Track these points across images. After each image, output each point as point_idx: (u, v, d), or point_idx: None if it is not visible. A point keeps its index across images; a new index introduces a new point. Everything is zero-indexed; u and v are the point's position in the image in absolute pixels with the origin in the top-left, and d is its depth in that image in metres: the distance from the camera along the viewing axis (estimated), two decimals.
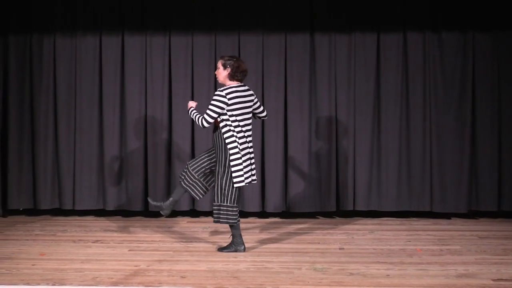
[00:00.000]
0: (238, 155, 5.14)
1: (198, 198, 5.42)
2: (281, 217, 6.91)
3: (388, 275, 4.62)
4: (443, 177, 6.82)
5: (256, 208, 6.89)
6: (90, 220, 6.80)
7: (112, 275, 4.61)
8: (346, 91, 6.89)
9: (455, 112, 6.83)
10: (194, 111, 5.29)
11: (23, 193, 6.97)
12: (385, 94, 6.88)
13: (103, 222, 6.70)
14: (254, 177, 5.31)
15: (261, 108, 5.44)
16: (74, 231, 6.26)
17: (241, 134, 5.18)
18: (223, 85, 5.28)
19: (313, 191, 6.87)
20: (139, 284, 4.40)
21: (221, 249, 5.37)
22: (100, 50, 6.97)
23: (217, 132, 5.22)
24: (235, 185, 5.16)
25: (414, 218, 6.87)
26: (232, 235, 5.31)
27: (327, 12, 6.89)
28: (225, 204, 5.19)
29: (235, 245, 5.29)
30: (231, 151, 5.14)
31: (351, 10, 6.89)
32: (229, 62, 5.23)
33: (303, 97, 6.89)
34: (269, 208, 6.89)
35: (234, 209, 5.20)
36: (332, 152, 6.88)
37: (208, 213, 6.93)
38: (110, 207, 6.93)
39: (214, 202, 5.24)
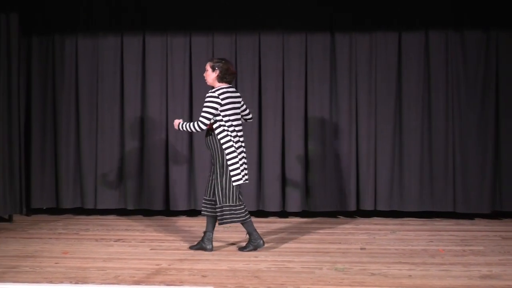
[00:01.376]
0: (235, 154, 5.17)
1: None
2: (301, 217, 6.90)
3: (410, 275, 4.59)
4: (466, 177, 6.74)
5: (276, 207, 6.88)
6: (111, 219, 6.86)
7: (134, 274, 4.63)
8: (367, 91, 6.85)
9: (478, 112, 6.76)
10: (184, 123, 5.27)
11: (46, 193, 7.06)
12: (406, 94, 6.83)
13: (124, 221, 6.75)
14: (247, 177, 5.32)
15: (247, 111, 5.46)
16: (96, 230, 6.31)
17: (235, 134, 5.21)
18: (212, 87, 5.28)
19: (334, 190, 6.85)
20: (160, 283, 4.42)
21: (241, 248, 5.37)
22: (121, 50, 7.03)
23: (211, 136, 5.22)
24: (234, 184, 5.18)
25: (437, 219, 6.80)
26: (248, 233, 5.31)
27: (348, 11, 6.85)
28: (227, 204, 5.20)
29: (253, 241, 5.30)
30: (227, 151, 5.16)
31: (372, 10, 6.84)
32: (217, 64, 5.25)
33: (324, 97, 6.87)
34: (290, 208, 6.87)
35: (238, 207, 5.21)
36: (352, 151, 6.85)
37: None
38: (131, 206, 6.98)
39: (217, 204, 5.24)
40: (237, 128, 5.24)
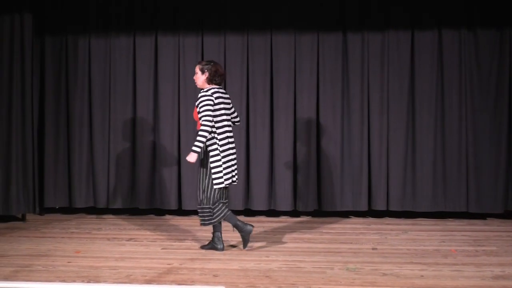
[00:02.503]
0: (218, 157, 5.16)
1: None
2: (313, 216, 6.89)
3: (422, 275, 4.56)
4: (479, 177, 6.69)
5: (288, 207, 6.87)
6: (123, 219, 6.89)
7: (146, 273, 4.65)
8: (379, 90, 6.83)
9: (491, 111, 6.71)
10: (193, 146, 5.12)
11: (59, 192, 7.11)
12: (419, 93, 6.79)
13: (136, 220, 6.78)
14: (235, 178, 5.32)
15: (236, 113, 5.47)
16: (108, 229, 6.34)
17: (225, 136, 5.22)
18: (202, 89, 5.30)
19: (345, 190, 6.83)
20: (172, 282, 4.44)
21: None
22: (133, 50, 7.06)
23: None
24: (215, 186, 5.19)
25: (449, 219, 6.76)
26: (233, 226, 5.28)
27: (360, 10, 6.83)
28: (207, 206, 5.21)
29: (242, 231, 5.28)
30: (211, 153, 5.16)
31: (384, 8, 6.82)
32: (206, 66, 5.28)
33: (336, 96, 6.85)
34: (301, 207, 6.87)
35: (217, 208, 5.22)
36: (364, 151, 6.82)
37: (241, 212, 6.95)
38: (143, 205, 7.01)
39: (198, 204, 5.26)
40: (227, 129, 5.25)
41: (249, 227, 5.30)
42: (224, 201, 5.32)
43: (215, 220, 5.24)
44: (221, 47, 6.97)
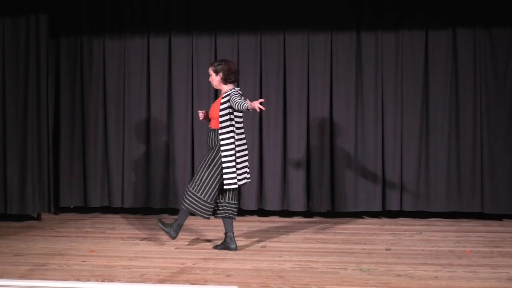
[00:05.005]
0: (233, 157, 5.16)
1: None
2: (326, 217, 6.87)
3: (436, 277, 4.54)
4: (494, 177, 6.63)
5: (301, 207, 6.86)
6: (138, 218, 6.92)
7: (159, 273, 4.67)
8: (393, 90, 6.79)
9: (507, 110, 6.64)
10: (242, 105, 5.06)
11: (74, 191, 7.16)
12: (433, 93, 6.75)
13: (150, 220, 6.80)
14: (247, 175, 5.33)
15: None
16: (122, 228, 6.38)
17: (242, 136, 5.24)
18: (221, 91, 5.31)
19: (359, 190, 6.80)
20: (185, 281, 4.45)
21: (160, 222, 5.38)
22: (147, 51, 7.09)
23: (215, 133, 5.21)
24: (226, 187, 5.17)
25: (464, 219, 6.71)
26: (177, 220, 5.31)
27: (373, 9, 6.81)
28: (202, 197, 5.21)
29: (172, 228, 5.31)
30: (227, 153, 5.14)
31: (398, 7, 6.78)
32: (219, 66, 5.26)
33: (349, 96, 6.83)
34: (315, 208, 6.85)
35: (211, 205, 5.23)
36: (378, 151, 6.80)
37: (253, 212, 6.96)
38: (157, 205, 7.04)
39: (189, 188, 5.23)
40: (242, 130, 5.26)
41: (172, 234, 5.32)
42: (236, 202, 5.34)
43: (204, 215, 5.23)
44: (234, 47, 6.98)
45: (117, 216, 7.04)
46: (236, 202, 5.36)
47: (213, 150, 5.26)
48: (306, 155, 6.88)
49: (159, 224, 5.39)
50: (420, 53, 6.76)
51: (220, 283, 4.42)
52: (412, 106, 6.78)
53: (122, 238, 5.90)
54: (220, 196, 5.33)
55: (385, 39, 6.80)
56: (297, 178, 6.88)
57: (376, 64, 6.81)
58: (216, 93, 7.02)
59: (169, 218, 6.87)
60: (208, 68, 5.39)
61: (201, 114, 5.44)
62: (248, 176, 5.36)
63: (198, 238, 5.88)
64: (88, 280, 4.50)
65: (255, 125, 6.92)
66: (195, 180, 5.26)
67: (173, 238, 5.36)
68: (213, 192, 5.24)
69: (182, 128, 7.06)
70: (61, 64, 7.17)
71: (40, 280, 4.47)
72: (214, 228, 6.29)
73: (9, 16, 6.69)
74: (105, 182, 7.15)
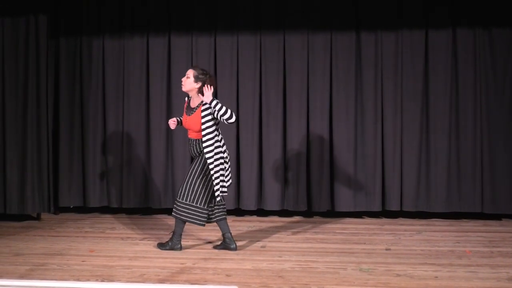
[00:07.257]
0: (221, 166, 5.16)
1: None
2: (326, 217, 6.87)
3: (436, 276, 4.54)
4: (494, 177, 6.64)
5: (301, 207, 6.86)
6: (137, 218, 6.92)
7: (159, 272, 4.67)
8: (393, 90, 6.79)
9: (507, 111, 6.65)
10: (221, 105, 5.10)
11: (74, 192, 7.16)
12: (433, 93, 6.75)
13: (149, 220, 6.80)
14: (230, 175, 5.35)
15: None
16: (122, 228, 6.38)
17: (222, 142, 5.25)
18: (187, 93, 5.32)
19: (359, 190, 6.80)
20: (185, 281, 4.45)
21: (160, 245, 5.40)
22: (147, 51, 7.09)
23: (198, 142, 5.22)
24: (218, 193, 5.15)
25: (464, 219, 6.71)
26: (174, 232, 5.31)
27: (373, 9, 6.80)
28: (198, 205, 5.21)
29: (173, 242, 5.31)
30: (215, 163, 5.13)
31: (397, 7, 6.78)
32: (202, 78, 5.21)
33: (349, 96, 6.83)
34: (314, 208, 6.85)
35: (206, 211, 5.24)
36: (378, 151, 6.80)
37: (253, 212, 6.96)
38: (157, 205, 7.04)
39: (179, 198, 5.22)
40: (220, 134, 5.28)
41: (177, 246, 5.31)
42: (224, 203, 5.36)
43: (197, 223, 5.23)
44: (234, 47, 6.97)
45: (116, 216, 7.04)
46: (224, 202, 5.39)
47: (199, 158, 5.26)
48: (306, 155, 6.88)
49: (160, 248, 5.39)
50: (420, 53, 6.76)
51: (220, 283, 4.41)
52: (412, 106, 6.77)
53: (122, 238, 5.90)
54: (212, 201, 5.34)
55: (385, 39, 6.80)
56: (297, 178, 6.87)
57: (376, 64, 6.81)
58: (216, 93, 7.00)
59: (167, 219, 6.87)
60: (189, 69, 5.35)
61: (172, 124, 5.40)
62: (230, 175, 5.37)
63: (198, 238, 5.87)
64: (88, 280, 4.50)
65: (255, 125, 6.92)
66: (186, 191, 5.22)
67: (180, 249, 5.34)
68: (208, 198, 5.26)
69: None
70: (60, 64, 7.17)
71: (40, 280, 4.47)
72: (214, 228, 6.28)
73: (9, 16, 6.69)
74: (104, 182, 7.15)
